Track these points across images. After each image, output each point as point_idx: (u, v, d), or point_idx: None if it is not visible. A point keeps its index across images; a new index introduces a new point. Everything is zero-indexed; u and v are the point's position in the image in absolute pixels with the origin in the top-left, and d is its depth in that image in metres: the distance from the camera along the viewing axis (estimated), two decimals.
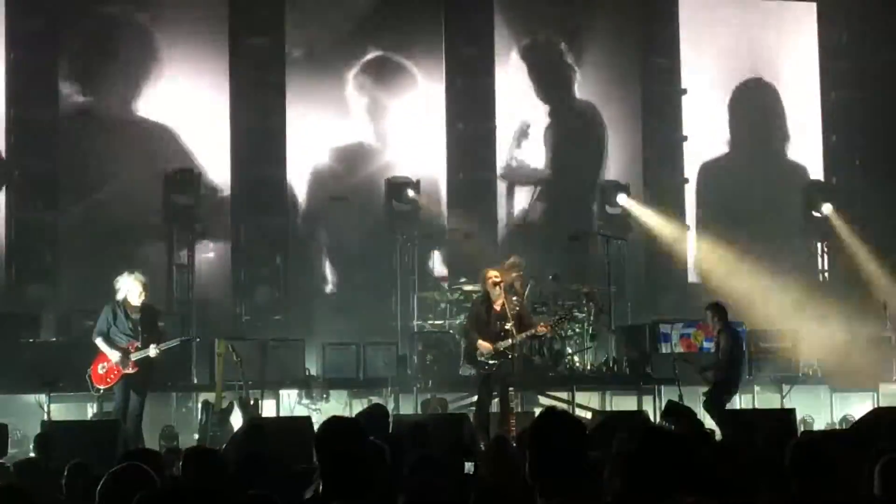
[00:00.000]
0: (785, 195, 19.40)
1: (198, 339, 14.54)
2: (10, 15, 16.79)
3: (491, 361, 12.66)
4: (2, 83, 16.76)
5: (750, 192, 19.50)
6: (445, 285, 16.68)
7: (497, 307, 12.75)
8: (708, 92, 19.67)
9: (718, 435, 12.53)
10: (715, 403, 13.78)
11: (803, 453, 4.79)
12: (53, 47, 16.96)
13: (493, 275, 12.84)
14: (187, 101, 17.48)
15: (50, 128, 16.83)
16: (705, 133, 19.62)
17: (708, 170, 19.69)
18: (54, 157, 16.81)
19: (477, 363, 12.76)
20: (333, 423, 5.42)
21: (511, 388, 12.91)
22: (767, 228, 18.98)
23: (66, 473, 6.98)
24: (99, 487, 4.96)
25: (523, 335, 12.79)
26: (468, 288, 15.93)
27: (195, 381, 15.00)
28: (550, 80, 19.26)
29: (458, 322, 16.01)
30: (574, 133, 19.33)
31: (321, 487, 4.95)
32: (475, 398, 13.32)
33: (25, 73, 16.76)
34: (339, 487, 4.87)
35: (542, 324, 13.23)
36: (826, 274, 18.83)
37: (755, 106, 19.99)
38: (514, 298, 13.04)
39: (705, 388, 14.02)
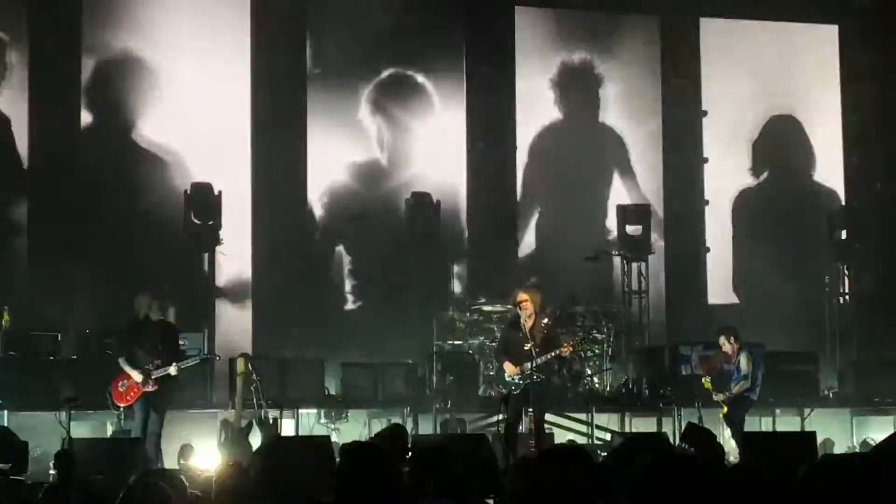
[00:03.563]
0: (811, 218, 19.31)
1: (218, 358, 14.56)
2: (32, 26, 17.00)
3: (518, 382, 12.63)
4: (26, 101, 16.91)
5: (777, 216, 19.45)
6: (464, 305, 16.68)
7: (527, 329, 12.73)
8: (729, 113, 19.65)
9: (736, 451, 12.63)
10: (736, 420, 13.92)
11: (817, 476, 4.75)
12: (75, 69, 17.12)
13: (523, 297, 12.81)
14: (208, 121, 17.55)
15: (71, 147, 16.96)
16: (726, 155, 19.60)
17: (741, 195, 19.69)
18: (76, 175, 16.94)
19: (506, 384, 12.74)
20: (358, 451, 5.17)
21: (530, 409, 12.85)
22: (792, 252, 18.93)
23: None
24: (116, 503, 4.96)
25: (544, 357, 12.72)
26: (487, 308, 15.94)
27: (214, 400, 15.03)
28: (573, 102, 19.28)
29: (476, 343, 16.02)
30: (595, 154, 19.34)
31: None
32: (494, 418, 13.29)
33: (47, 92, 16.93)
34: None
35: (564, 345, 13.19)
36: (847, 297, 18.75)
37: (780, 131, 19.95)
38: (545, 322, 12.93)
39: (724, 410, 14.15)
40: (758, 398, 14.43)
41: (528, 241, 18.91)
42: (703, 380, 14.52)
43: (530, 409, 12.74)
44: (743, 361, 14.20)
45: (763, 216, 19.52)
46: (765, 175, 19.87)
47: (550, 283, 16.08)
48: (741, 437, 13.25)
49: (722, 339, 14.46)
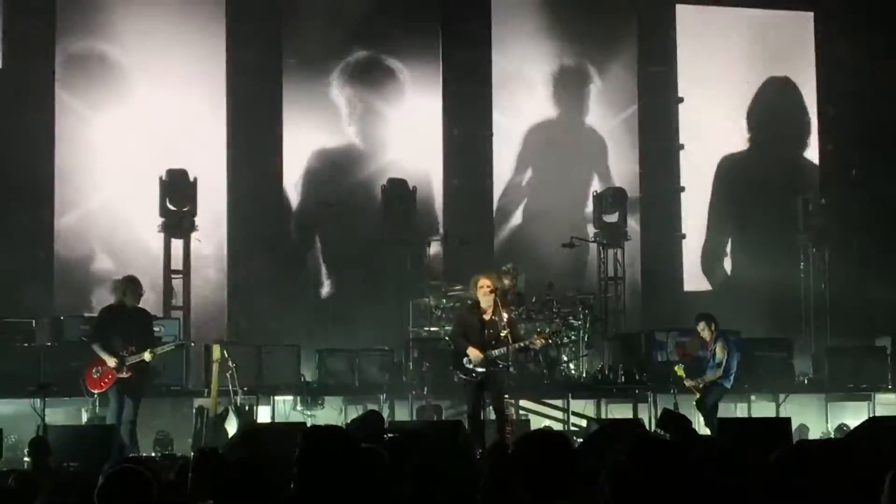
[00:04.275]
0: (788, 204, 19.30)
1: (192, 344, 14.59)
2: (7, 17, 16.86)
3: (479, 369, 12.46)
4: None
5: (754, 201, 19.50)
6: (440, 292, 16.66)
7: (487, 316, 12.57)
8: (705, 100, 19.66)
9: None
10: (708, 407, 14.00)
11: (791, 459, 4.76)
12: (49, 53, 17.03)
13: (486, 283, 12.62)
14: (184, 109, 17.46)
15: (47, 133, 16.86)
16: (702, 142, 19.62)
17: (723, 168, 19.73)
18: (51, 161, 16.86)
19: (465, 370, 12.58)
20: (315, 434, 5.11)
21: (506, 396, 12.84)
22: (768, 237, 18.97)
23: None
24: (97, 489, 4.95)
25: (518, 345, 12.61)
26: (464, 294, 15.91)
27: (190, 387, 14.99)
28: (553, 90, 19.28)
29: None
30: (572, 141, 19.35)
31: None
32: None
33: (21, 78, 16.82)
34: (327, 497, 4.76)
35: (536, 336, 13.12)
36: (823, 283, 18.78)
37: (772, 106, 20.02)
38: (504, 310, 12.86)
39: (697, 396, 14.23)
40: (732, 386, 14.48)
41: (510, 228, 18.90)
42: (675, 367, 14.56)
43: (506, 396, 12.70)
44: (718, 349, 14.30)
45: (740, 200, 19.56)
46: (743, 156, 19.90)
47: (527, 269, 16.14)
48: (713, 424, 13.30)
49: (701, 325, 14.51)
